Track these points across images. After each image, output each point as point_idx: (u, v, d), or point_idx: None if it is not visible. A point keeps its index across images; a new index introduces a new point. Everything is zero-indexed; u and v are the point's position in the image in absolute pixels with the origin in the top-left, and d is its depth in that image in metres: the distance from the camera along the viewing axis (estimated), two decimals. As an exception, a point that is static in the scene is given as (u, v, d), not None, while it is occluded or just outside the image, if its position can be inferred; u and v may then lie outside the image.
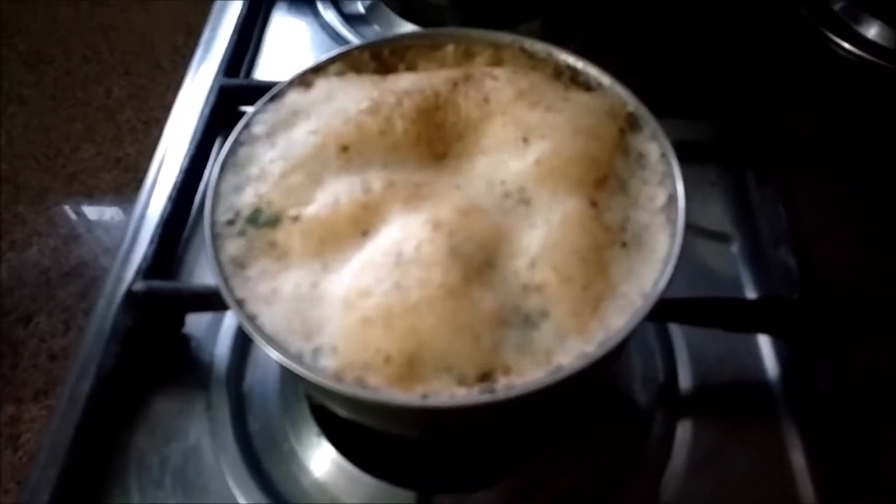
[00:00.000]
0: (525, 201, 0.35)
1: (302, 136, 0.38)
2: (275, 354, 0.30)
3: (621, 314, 0.32)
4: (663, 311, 0.44)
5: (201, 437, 0.43)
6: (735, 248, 0.51)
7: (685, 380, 0.45)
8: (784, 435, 0.43)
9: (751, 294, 0.49)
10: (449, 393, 0.29)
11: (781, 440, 0.42)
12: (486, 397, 0.29)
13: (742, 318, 0.45)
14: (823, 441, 0.42)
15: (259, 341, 0.31)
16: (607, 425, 0.43)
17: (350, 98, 0.40)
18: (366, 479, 0.41)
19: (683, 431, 0.43)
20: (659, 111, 0.40)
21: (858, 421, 0.41)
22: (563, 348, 0.31)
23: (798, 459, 0.42)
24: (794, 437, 0.43)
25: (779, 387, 0.45)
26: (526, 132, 0.38)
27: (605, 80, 0.41)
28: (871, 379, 0.44)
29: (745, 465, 0.42)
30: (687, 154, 0.38)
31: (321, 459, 0.42)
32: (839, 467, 0.41)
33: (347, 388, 0.29)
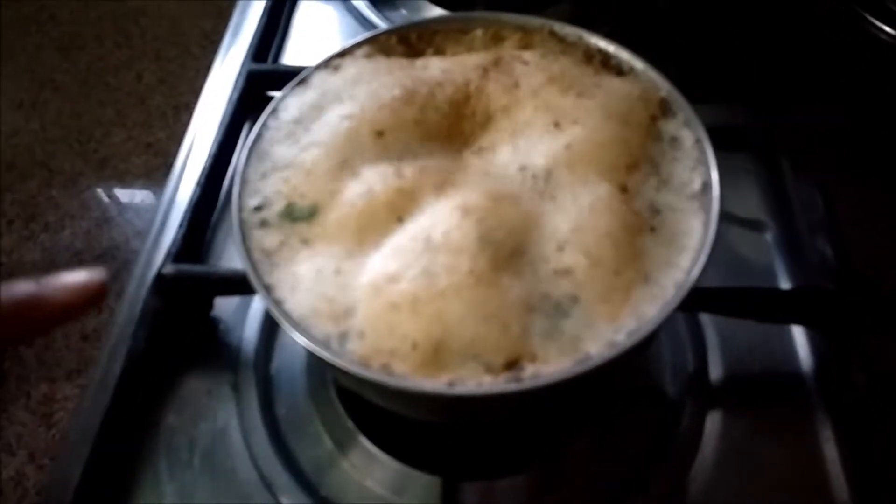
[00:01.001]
0: (555, 187, 0.35)
1: (335, 122, 0.38)
2: (301, 339, 0.30)
3: (653, 302, 0.31)
4: (695, 300, 0.42)
5: (229, 419, 0.44)
6: (770, 236, 0.50)
7: (716, 370, 0.44)
8: (817, 428, 0.42)
9: (785, 284, 0.48)
10: (475, 381, 0.29)
11: (814, 434, 0.42)
12: (512, 386, 0.29)
13: (776, 308, 0.44)
14: (858, 435, 0.41)
15: (286, 326, 0.31)
16: (635, 415, 0.43)
17: (381, 83, 0.39)
18: (392, 463, 0.41)
19: (713, 423, 0.42)
20: (693, 96, 0.39)
21: (894, 416, 0.40)
22: (592, 336, 0.30)
23: (831, 454, 0.41)
24: (828, 430, 0.42)
25: (812, 379, 0.44)
26: (557, 117, 0.37)
27: (638, 64, 0.40)
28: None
29: (776, 459, 0.41)
30: (721, 140, 0.37)
31: (347, 443, 0.42)
32: (874, 462, 0.40)
33: (374, 375, 0.29)
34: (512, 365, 0.30)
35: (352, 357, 0.30)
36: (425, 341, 0.30)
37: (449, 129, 0.38)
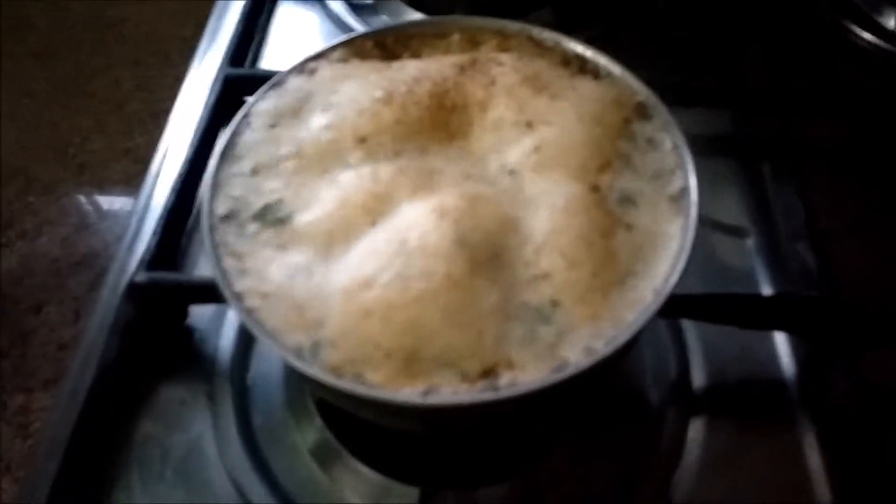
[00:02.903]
0: (529, 187, 0.34)
1: (315, 128, 0.38)
2: (273, 348, 0.30)
3: (631, 307, 0.31)
4: (676, 307, 0.43)
5: (204, 430, 0.43)
6: (751, 242, 0.50)
7: (698, 377, 0.44)
8: (800, 435, 0.41)
9: (766, 290, 0.47)
10: (451, 388, 0.28)
11: (797, 440, 0.41)
12: (487, 395, 0.28)
13: (757, 314, 0.44)
14: (840, 442, 0.41)
15: (258, 335, 0.30)
16: (617, 423, 0.42)
17: (359, 87, 0.39)
18: (370, 474, 0.40)
19: (696, 430, 0.42)
20: (673, 102, 0.38)
21: (876, 422, 0.40)
22: (570, 342, 0.30)
23: (814, 460, 0.41)
24: (810, 437, 0.41)
25: (795, 386, 0.43)
26: (530, 117, 0.37)
27: (615, 69, 0.40)
28: (889, 379, 0.43)
29: (759, 466, 0.41)
30: (703, 146, 0.37)
31: (325, 454, 0.41)
32: (856, 469, 0.40)
33: (345, 385, 0.29)
34: (488, 372, 0.29)
35: (324, 366, 0.29)
36: (399, 350, 0.29)
37: (432, 122, 0.38)
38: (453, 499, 0.39)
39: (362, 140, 0.37)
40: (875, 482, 0.39)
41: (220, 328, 0.47)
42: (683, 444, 0.41)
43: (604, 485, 0.40)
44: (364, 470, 0.40)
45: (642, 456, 0.41)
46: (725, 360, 0.44)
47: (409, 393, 0.28)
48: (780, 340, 0.45)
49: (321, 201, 0.35)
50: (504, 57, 0.40)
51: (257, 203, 0.35)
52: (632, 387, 0.44)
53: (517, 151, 0.36)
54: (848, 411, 0.41)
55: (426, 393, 0.28)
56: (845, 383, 0.41)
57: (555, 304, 0.31)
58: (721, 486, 0.40)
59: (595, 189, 0.34)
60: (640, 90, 0.39)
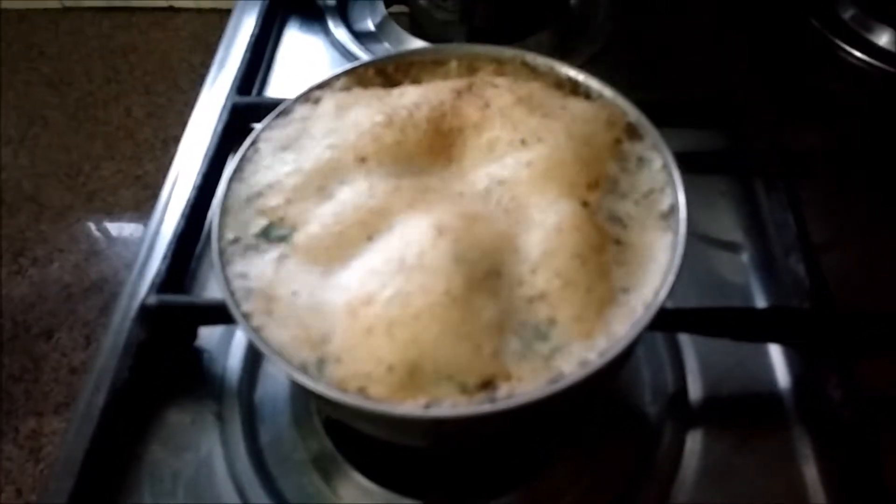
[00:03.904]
0: (520, 205, 0.36)
1: (318, 150, 0.39)
2: (279, 365, 0.31)
3: (624, 321, 0.32)
4: (672, 320, 0.44)
5: (213, 449, 0.44)
6: (745, 257, 0.51)
7: (695, 390, 0.45)
8: (796, 446, 0.42)
9: (761, 303, 0.48)
10: (450, 401, 0.30)
11: (793, 452, 0.42)
12: (486, 407, 0.29)
13: (752, 327, 0.45)
14: (836, 452, 0.41)
15: (265, 353, 0.31)
16: (615, 436, 0.43)
17: (361, 113, 0.41)
18: (374, 490, 0.41)
19: (693, 442, 0.42)
20: (665, 122, 0.40)
21: (872, 432, 0.40)
22: (565, 354, 0.31)
23: (810, 471, 0.41)
24: (807, 448, 0.42)
25: (790, 397, 0.44)
26: (523, 135, 0.38)
27: (607, 92, 0.41)
28: (883, 389, 0.43)
29: (756, 478, 0.41)
30: (695, 164, 0.38)
31: (332, 471, 0.42)
32: (852, 479, 0.40)
33: (349, 399, 0.30)
34: (486, 385, 0.30)
35: (329, 382, 0.30)
36: (401, 364, 0.30)
37: (430, 145, 0.39)
38: (456, 512, 0.39)
39: (363, 160, 0.38)
40: (871, 491, 0.39)
41: (228, 349, 0.48)
42: (681, 456, 0.42)
43: (603, 497, 0.41)
44: (369, 485, 0.41)
45: (641, 468, 0.42)
46: (721, 372, 0.45)
47: (410, 406, 0.30)
48: (775, 352, 0.46)
49: (321, 217, 0.36)
50: (499, 80, 0.42)
51: (261, 222, 0.37)
52: (630, 400, 0.44)
53: (510, 167, 0.37)
54: (843, 421, 0.41)
55: (427, 406, 0.29)
56: (840, 393, 0.41)
57: (552, 322, 0.32)
58: (718, 496, 0.40)
59: (585, 205, 0.35)
60: (631, 111, 0.40)
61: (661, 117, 0.40)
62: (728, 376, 0.45)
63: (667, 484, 0.41)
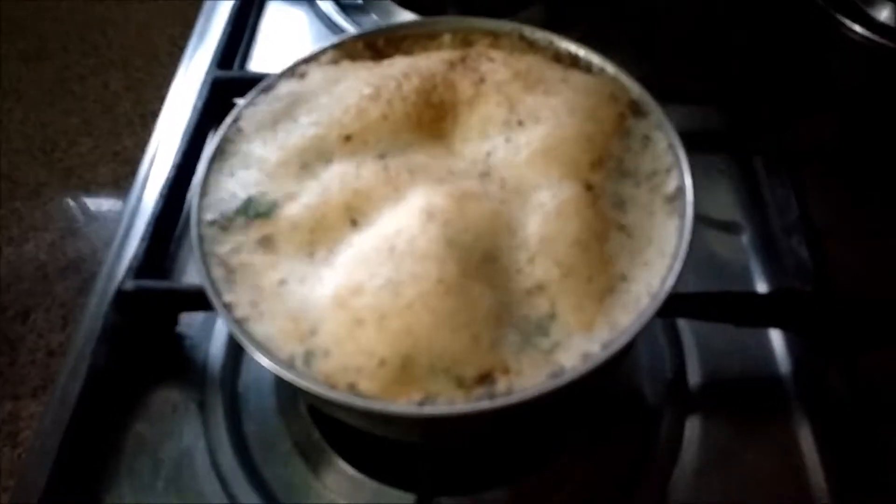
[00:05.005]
0: (518, 185, 0.34)
1: (302, 128, 0.37)
2: (264, 361, 0.29)
3: (627, 311, 0.30)
4: (671, 306, 0.41)
5: (195, 438, 0.42)
6: (745, 238, 0.50)
7: (694, 376, 0.44)
8: (796, 432, 0.41)
9: (762, 286, 0.47)
10: (447, 396, 0.28)
11: (793, 437, 0.41)
12: (484, 405, 0.28)
13: (753, 312, 0.44)
14: (836, 438, 0.41)
15: (248, 347, 0.30)
16: (614, 423, 0.42)
17: (349, 87, 0.39)
18: (365, 482, 0.40)
19: (692, 429, 0.42)
20: (665, 98, 0.38)
21: (872, 417, 0.40)
22: (566, 347, 0.30)
23: (811, 457, 0.41)
24: (807, 434, 0.41)
25: (790, 383, 0.43)
26: (521, 115, 0.36)
27: (609, 67, 0.39)
28: (884, 374, 0.42)
29: (756, 463, 0.40)
30: (694, 142, 0.37)
31: (319, 461, 0.41)
32: (853, 465, 0.40)
33: (340, 396, 0.28)
34: (484, 378, 0.29)
35: (317, 377, 0.29)
36: (393, 357, 0.28)
37: (418, 119, 0.37)
38: (451, 504, 0.38)
39: (347, 139, 0.36)
40: (871, 477, 0.39)
41: (210, 335, 0.46)
42: (681, 443, 0.41)
43: (602, 485, 0.40)
44: (358, 476, 0.40)
45: (640, 455, 0.41)
46: (721, 357, 0.44)
47: (404, 403, 0.28)
48: (776, 337, 0.45)
49: (304, 197, 0.34)
50: (495, 53, 0.39)
51: (241, 195, 0.35)
52: (629, 386, 0.43)
53: (507, 149, 0.35)
54: (843, 407, 0.40)
55: (422, 403, 0.28)
56: (841, 379, 0.41)
57: (551, 316, 0.31)
58: (718, 482, 0.40)
59: (589, 188, 0.34)
60: (634, 88, 0.38)
61: (660, 94, 0.38)
62: (728, 362, 0.44)
63: (667, 469, 0.40)
